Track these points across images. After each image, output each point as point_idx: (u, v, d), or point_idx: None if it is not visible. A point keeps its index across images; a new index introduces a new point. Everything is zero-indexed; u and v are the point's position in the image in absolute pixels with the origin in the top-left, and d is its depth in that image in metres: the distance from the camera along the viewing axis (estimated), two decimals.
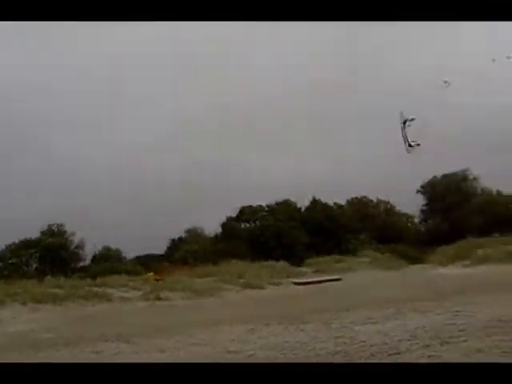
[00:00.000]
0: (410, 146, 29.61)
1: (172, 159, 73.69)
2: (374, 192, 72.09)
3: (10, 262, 53.17)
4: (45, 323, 22.71)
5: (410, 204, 71.80)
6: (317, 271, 45.06)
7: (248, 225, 63.18)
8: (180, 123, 77.93)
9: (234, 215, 63.30)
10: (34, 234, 55.53)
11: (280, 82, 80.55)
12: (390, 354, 11.28)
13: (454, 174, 69.27)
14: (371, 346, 12.34)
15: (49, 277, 35.53)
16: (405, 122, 29.80)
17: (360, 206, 73.09)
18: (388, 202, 75.14)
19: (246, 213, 62.95)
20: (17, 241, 54.35)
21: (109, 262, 51.73)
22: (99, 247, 58.43)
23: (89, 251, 57.89)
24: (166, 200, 68.20)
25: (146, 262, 54.06)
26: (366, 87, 77.69)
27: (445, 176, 69.41)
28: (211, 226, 64.22)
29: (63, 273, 39.89)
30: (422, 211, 73.23)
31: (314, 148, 74.98)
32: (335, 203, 66.11)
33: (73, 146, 72.34)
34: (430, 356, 10.65)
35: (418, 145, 29.34)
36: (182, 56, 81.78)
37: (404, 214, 76.23)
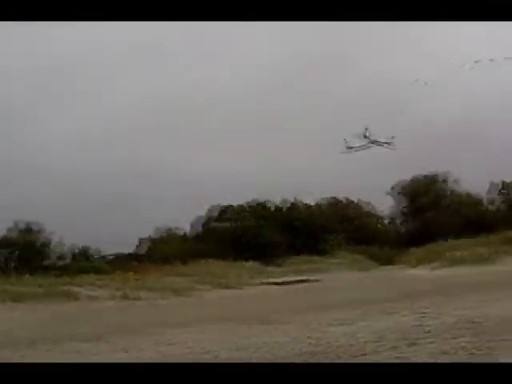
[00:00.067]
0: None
1: (135, 157, 73.27)
2: (346, 193, 72.36)
3: None
4: (3, 323, 22.29)
5: (381, 205, 72.32)
6: (287, 271, 45.08)
7: (221, 224, 63.06)
8: (126, 119, 77.88)
9: (212, 215, 63.27)
10: None
11: (245, 81, 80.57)
12: (357, 356, 11.17)
13: (425, 176, 69.73)
14: (337, 347, 12.23)
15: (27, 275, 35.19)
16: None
17: (332, 206, 73.30)
18: (358, 204, 75.44)
19: (219, 212, 62.89)
20: None
21: (76, 261, 51.28)
22: (67, 245, 58.06)
23: (56, 249, 57.48)
24: (136, 197, 67.93)
25: (116, 261, 53.80)
26: (337, 87, 78.08)
27: (415, 178, 69.84)
28: (184, 225, 64.22)
29: (31, 271, 39.35)
30: (393, 213, 73.63)
31: (285, 148, 74.95)
32: (306, 204, 66.17)
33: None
34: (396, 357, 10.55)
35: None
36: (126, 53, 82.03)
37: (375, 216, 76.59)
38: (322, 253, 55.50)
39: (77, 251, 57.96)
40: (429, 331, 13.08)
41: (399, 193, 71.16)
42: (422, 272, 40.14)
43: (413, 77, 29.59)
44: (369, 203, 73.84)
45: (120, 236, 61.20)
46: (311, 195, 69.46)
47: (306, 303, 24.72)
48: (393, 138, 29.47)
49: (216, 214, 63.52)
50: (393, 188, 71.12)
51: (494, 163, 64.53)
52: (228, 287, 35.95)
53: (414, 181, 69.93)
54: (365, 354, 11.21)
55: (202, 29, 62.73)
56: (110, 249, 62.04)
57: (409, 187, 70.22)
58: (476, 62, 29.56)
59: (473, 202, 65.12)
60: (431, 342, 11.65)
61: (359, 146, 29.21)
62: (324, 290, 32.14)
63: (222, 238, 57.41)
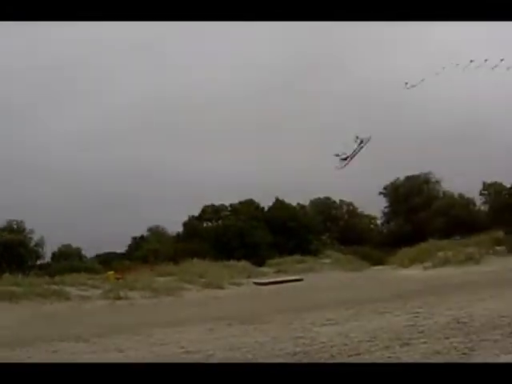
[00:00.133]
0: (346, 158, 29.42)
1: (127, 157, 73.18)
2: (336, 193, 72.31)
3: None
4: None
5: (373, 205, 72.34)
6: (279, 271, 45.01)
7: (210, 224, 62.92)
8: (126, 119, 77.77)
9: (196, 214, 63.00)
10: None
11: (245, 81, 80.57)
12: (350, 355, 11.17)
13: (417, 177, 69.77)
14: (331, 346, 12.23)
15: (7, 274, 34.87)
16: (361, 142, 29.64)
17: (323, 207, 73.22)
18: (351, 204, 75.43)
19: (208, 212, 62.68)
20: None
21: (68, 260, 51.09)
22: (59, 245, 57.89)
23: (49, 249, 57.31)
24: (125, 198, 67.80)
25: (107, 261, 53.65)
26: (326, 88, 78.10)
27: (407, 178, 69.86)
28: (173, 225, 64.04)
29: (21, 270, 39.17)
30: (384, 213, 73.63)
31: (285, 148, 75.01)
32: (298, 204, 66.07)
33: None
34: (389, 357, 10.55)
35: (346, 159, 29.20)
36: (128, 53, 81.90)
37: (367, 216, 76.58)
38: (314, 253, 55.35)
39: (69, 250, 57.83)
40: (421, 331, 13.08)
41: (392, 193, 71.16)
42: (415, 272, 40.18)
43: (413, 77, 29.50)
44: (362, 203, 73.87)
45: (119, 236, 61.40)
46: (308, 195, 69.67)
47: (298, 303, 24.71)
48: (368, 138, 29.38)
49: (208, 214, 63.29)
50: (385, 188, 71.17)
51: (487, 163, 64.80)
52: (222, 287, 35.95)
53: (407, 181, 69.96)
54: (358, 354, 11.21)
55: (201, 29, 62.71)
56: (111, 248, 62.26)
57: (401, 187, 70.24)
58: (471, 61, 29.46)
59: (465, 202, 65.15)
60: (424, 342, 11.65)
61: (352, 154, 29.17)
62: (316, 290, 32.08)
63: (213, 238, 57.27)
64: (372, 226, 78.08)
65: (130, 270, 41.72)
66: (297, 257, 50.48)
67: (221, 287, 35.91)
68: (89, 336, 17.20)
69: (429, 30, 59.43)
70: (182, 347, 13.89)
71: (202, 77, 79.61)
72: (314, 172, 65.58)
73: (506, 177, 51.36)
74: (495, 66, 29.53)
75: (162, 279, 36.43)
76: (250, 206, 62.49)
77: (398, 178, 70.49)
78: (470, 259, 39.51)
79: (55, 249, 58.03)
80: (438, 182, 69.90)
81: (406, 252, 48.52)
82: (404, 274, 40.45)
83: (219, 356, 12.34)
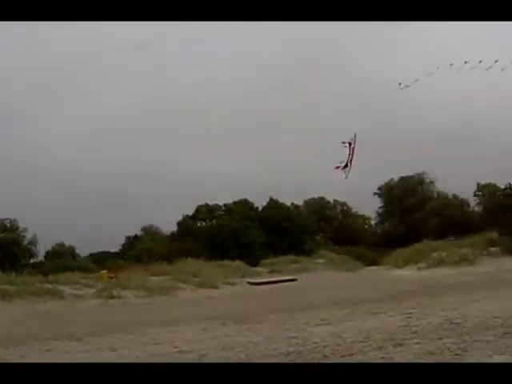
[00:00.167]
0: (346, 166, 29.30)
1: (121, 156, 73.13)
2: (330, 193, 72.28)
3: None
4: None
5: (367, 206, 72.39)
6: (272, 271, 44.99)
7: (204, 223, 62.84)
8: (126, 119, 77.72)
9: (190, 214, 62.92)
10: None
11: (244, 81, 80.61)
12: (343, 356, 11.16)
13: (411, 177, 69.81)
14: (324, 347, 12.22)
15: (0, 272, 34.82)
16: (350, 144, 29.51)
17: (317, 207, 73.21)
18: (345, 204, 75.45)
19: (203, 212, 62.61)
20: None
21: (62, 259, 50.98)
22: (53, 244, 57.80)
23: (42, 247, 57.19)
24: (119, 197, 67.73)
25: (101, 260, 53.57)
26: (325, 88, 78.15)
27: (401, 179, 69.90)
28: (167, 224, 63.99)
29: (15, 269, 39.09)
30: (379, 213, 73.66)
31: (285, 148, 75.04)
32: (292, 204, 66.04)
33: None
34: (382, 358, 10.55)
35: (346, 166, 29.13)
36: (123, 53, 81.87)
37: (361, 216, 76.62)
38: (308, 253, 55.33)
39: (62, 249, 57.74)
40: (415, 332, 13.08)
41: (386, 193, 71.20)
42: (409, 272, 40.21)
43: (409, 77, 29.48)
44: (357, 203, 73.89)
45: (113, 235, 61.35)
46: (304, 195, 69.73)
47: (292, 303, 24.70)
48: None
49: (202, 214, 63.20)
50: (380, 188, 71.22)
51: (482, 164, 64.96)
52: (216, 287, 35.92)
53: (402, 181, 70.01)
54: (351, 354, 11.20)
55: (201, 29, 62.61)
56: (105, 248, 62.21)
57: (396, 188, 70.28)
58: (466, 62, 29.45)
59: (459, 203, 65.20)
60: (417, 343, 11.65)
61: (348, 159, 29.07)
62: (310, 290, 32.08)
63: (207, 238, 57.20)
64: (366, 226, 78.11)
65: (124, 270, 41.67)
66: (291, 257, 50.44)
67: (215, 287, 35.89)
68: (82, 335, 17.19)
69: (427, 31, 59.56)
70: (176, 347, 13.89)
71: (201, 77, 79.76)
72: (311, 172, 65.76)
73: (500, 178, 51.44)
74: (490, 67, 29.55)
75: (155, 278, 36.39)
76: (244, 205, 62.43)
77: (392, 179, 70.56)
78: (464, 260, 39.59)
79: (49, 247, 57.97)
80: (432, 182, 69.98)
81: (400, 252, 48.54)
82: (398, 274, 40.46)
83: (213, 356, 12.33)
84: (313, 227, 65.94)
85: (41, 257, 57.05)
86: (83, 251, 59.61)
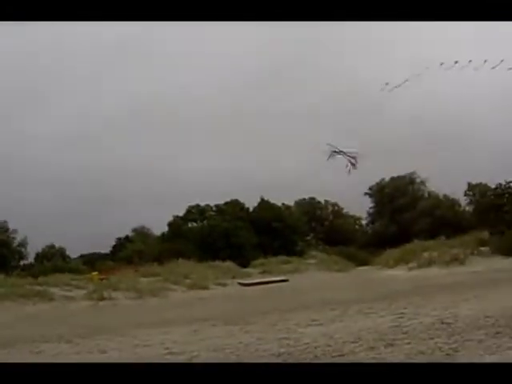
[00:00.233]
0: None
1: (109, 157, 72.97)
2: (321, 194, 72.38)
3: None
4: None
5: (358, 206, 72.50)
6: (264, 272, 44.99)
7: (195, 224, 62.76)
8: (115, 120, 77.56)
9: (181, 214, 62.84)
10: None
11: (215, 81, 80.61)
12: (334, 356, 11.10)
13: (402, 177, 69.94)
14: (315, 347, 12.16)
15: None
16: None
17: (308, 207, 73.28)
18: (336, 204, 75.55)
19: (193, 212, 62.54)
20: None
21: (52, 261, 50.84)
22: (43, 245, 57.63)
23: (33, 249, 57.01)
24: (109, 198, 67.63)
25: (91, 261, 53.50)
26: (313, 87, 78.19)
27: (392, 179, 70.03)
28: (158, 225, 63.91)
29: (4, 271, 38.96)
30: (370, 214, 73.78)
31: (259, 148, 75.08)
32: (283, 204, 66.03)
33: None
34: (373, 358, 10.49)
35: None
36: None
37: (352, 216, 76.74)
38: (299, 253, 55.41)
39: (53, 251, 57.55)
40: (406, 332, 13.03)
41: (377, 193, 71.32)
42: (400, 272, 40.24)
43: (400, 77, 29.49)
44: (347, 204, 74.02)
45: (103, 236, 61.29)
46: (293, 196, 69.76)
47: (283, 304, 24.64)
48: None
49: (191, 214, 63.12)
50: (371, 188, 71.33)
51: (473, 164, 65.16)
52: (207, 288, 35.88)
53: (392, 181, 70.14)
54: (342, 355, 11.14)
55: (193, 29, 62.59)
56: (96, 249, 62.12)
57: (387, 188, 70.41)
58: (456, 62, 29.44)
59: (450, 203, 65.36)
60: (408, 343, 11.61)
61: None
62: (301, 291, 32.08)
63: (198, 239, 57.15)
64: (357, 226, 78.27)
65: (115, 271, 41.64)
66: (282, 257, 50.48)
67: (205, 288, 35.84)
68: (72, 337, 17.11)
69: (416, 30, 59.58)
70: (166, 348, 13.81)
71: (190, 77, 79.68)
72: (301, 172, 65.87)
73: (491, 177, 51.57)
74: (479, 67, 29.58)
75: (146, 280, 36.32)
76: (235, 206, 62.43)
77: (383, 179, 70.72)
78: (455, 260, 39.63)
79: (39, 249, 57.81)
80: (423, 182, 70.20)
81: (391, 252, 48.61)
82: (389, 274, 40.49)
83: (203, 357, 12.25)
84: (304, 228, 66.05)
85: (31, 258, 56.96)
86: (74, 253, 59.60)
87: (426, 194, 69.84)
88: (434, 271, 37.41)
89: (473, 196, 61.90)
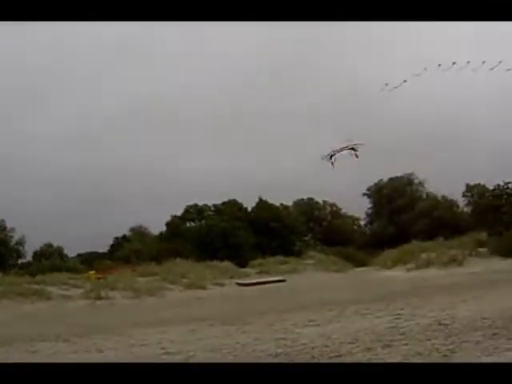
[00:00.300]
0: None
1: (107, 156, 72.93)
2: (320, 194, 72.34)
3: None
4: None
5: (356, 206, 72.46)
6: (261, 272, 44.95)
7: (193, 224, 62.66)
8: (114, 120, 77.48)
9: (179, 214, 62.76)
10: None
11: (215, 81, 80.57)
12: (331, 357, 11.09)
13: (400, 178, 69.90)
14: (312, 348, 12.15)
15: None
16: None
17: (306, 207, 73.23)
18: (334, 205, 75.49)
19: (191, 212, 62.45)
20: None
21: (50, 260, 50.75)
22: (41, 244, 57.56)
23: (31, 248, 56.93)
24: (108, 197, 67.56)
25: (89, 260, 53.43)
26: (313, 87, 78.16)
27: (391, 179, 69.98)
28: (157, 225, 63.84)
29: (2, 269, 38.91)
30: (368, 214, 73.74)
31: (259, 148, 75.06)
32: (281, 204, 65.96)
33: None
34: (370, 359, 10.49)
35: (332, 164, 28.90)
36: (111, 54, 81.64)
37: (350, 217, 76.68)
38: (297, 254, 55.37)
39: (50, 249, 57.49)
40: (403, 333, 13.03)
41: (375, 194, 71.29)
42: (398, 273, 40.23)
43: (399, 78, 29.52)
44: (346, 204, 73.97)
45: (101, 235, 61.23)
46: (292, 196, 69.71)
47: (281, 304, 24.63)
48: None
49: (189, 213, 63.03)
50: (369, 189, 71.31)
51: (471, 165, 65.18)
52: (204, 288, 35.86)
53: (391, 182, 70.09)
54: (339, 355, 11.14)
55: (195, 28, 62.44)
56: (93, 248, 62.05)
57: (385, 188, 70.38)
58: (454, 63, 29.45)
59: (448, 204, 65.33)
60: (405, 344, 11.60)
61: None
62: (299, 291, 32.06)
63: (196, 239, 57.09)
64: (355, 227, 78.21)
65: (112, 270, 41.58)
66: (280, 258, 50.43)
67: (203, 288, 35.82)
68: (69, 336, 17.12)
69: (415, 31, 59.56)
70: (163, 348, 13.80)
71: (190, 77, 79.61)
72: (300, 172, 65.86)
73: (489, 178, 51.57)
74: (477, 68, 29.60)
75: (143, 279, 36.30)
76: (233, 206, 62.31)
77: (381, 180, 70.68)
78: (453, 261, 39.63)
79: (37, 248, 57.73)
80: (421, 183, 70.16)
81: (389, 253, 48.61)
82: (387, 275, 40.48)
83: (200, 357, 12.24)
84: (302, 228, 65.96)
85: (29, 257, 56.85)
86: (71, 252, 59.53)
87: (425, 195, 69.78)
88: (432, 272, 37.41)
89: (471, 197, 61.86)
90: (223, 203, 62.35)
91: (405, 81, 29.74)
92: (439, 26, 42.71)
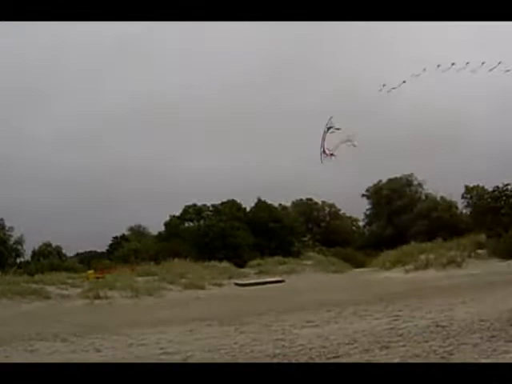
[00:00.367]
0: (324, 153, 28.98)
1: (107, 156, 72.91)
2: (319, 194, 72.29)
3: None
4: None
5: (355, 207, 72.44)
6: (260, 272, 44.96)
7: (192, 224, 62.60)
8: (114, 119, 77.47)
9: (177, 214, 62.69)
10: None
11: (215, 81, 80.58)
12: (329, 358, 11.08)
13: (399, 179, 69.86)
14: (310, 349, 12.14)
15: None
16: (328, 129, 29.31)
17: (305, 208, 73.17)
18: (333, 205, 75.43)
19: (190, 212, 62.39)
20: None
21: (48, 259, 50.68)
22: (40, 243, 57.44)
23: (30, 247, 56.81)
24: (107, 197, 67.52)
25: (87, 260, 53.40)
26: (313, 87, 78.14)
27: (390, 180, 69.92)
28: (155, 224, 63.83)
29: (0, 268, 38.88)
30: (367, 215, 73.70)
31: (258, 148, 75.06)
32: (280, 205, 65.91)
33: None
34: (368, 360, 10.48)
35: (333, 155, 28.84)
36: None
37: (349, 218, 76.64)
38: (295, 254, 55.36)
39: (49, 249, 57.40)
40: (401, 334, 13.02)
41: (374, 195, 71.25)
42: (396, 274, 40.22)
43: (398, 78, 29.55)
44: (345, 205, 73.94)
45: (100, 235, 61.19)
46: (291, 196, 69.67)
47: (279, 305, 24.61)
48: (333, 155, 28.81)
49: (187, 213, 62.97)
50: (368, 190, 71.27)
51: (470, 166, 65.17)
52: (202, 288, 35.85)
53: (390, 183, 70.04)
54: (337, 356, 11.13)
55: (195, 28, 62.53)
56: (92, 247, 62.04)
57: (384, 189, 70.32)
58: (453, 64, 29.49)
59: (447, 205, 65.27)
60: (403, 346, 11.60)
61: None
62: (297, 292, 32.05)
63: (195, 239, 57.04)
64: (354, 228, 78.19)
65: (111, 270, 41.58)
66: (278, 258, 50.43)
67: (202, 288, 35.81)
68: (67, 335, 17.11)
69: (414, 31, 59.62)
70: (161, 348, 13.79)
71: (190, 77, 79.67)
72: (299, 172, 65.87)
73: (488, 180, 51.57)
74: (476, 69, 29.59)
75: (142, 279, 36.28)
76: (231, 206, 62.23)
77: (380, 181, 70.64)
78: (452, 262, 39.62)
79: (36, 247, 57.64)
80: (420, 184, 70.13)
81: (387, 254, 48.62)
82: (386, 276, 40.49)
83: (198, 357, 12.23)
84: (300, 228, 65.87)
85: (27, 256, 56.75)
86: (70, 251, 59.49)
87: (424, 196, 69.75)
88: (430, 273, 37.39)
89: (470, 199, 61.79)
90: (222, 203, 62.27)
91: (404, 81, 29.76)
92: (438, 27, 42.77)
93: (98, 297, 30.70)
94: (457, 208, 65.40)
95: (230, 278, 41.04)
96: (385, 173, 68.62)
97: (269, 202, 63.28)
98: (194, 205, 62.37)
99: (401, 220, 65.74)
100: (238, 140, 78.78)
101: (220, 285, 37.92)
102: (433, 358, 10.22)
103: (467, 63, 29.62)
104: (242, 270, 46.77)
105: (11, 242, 55.16)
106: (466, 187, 61.58)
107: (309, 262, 51.26)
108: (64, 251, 58.53)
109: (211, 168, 70.24)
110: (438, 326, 13.83)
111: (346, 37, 70.78)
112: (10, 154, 67.51)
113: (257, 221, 59.73)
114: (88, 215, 67.79)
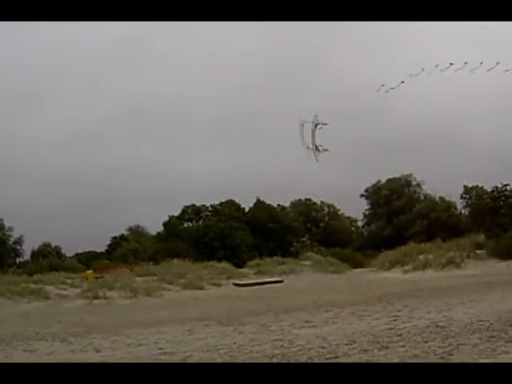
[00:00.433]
0: (317, 149, 29.05)
1: (106, 156, 72.88)
2: (318, 195, 72.27)
3: None
4: None
5: (354, 208, 72.41)
6: (259, 273, 44.97)
7: (191, 224, 62.57)
8: (113, 120, 77.42)
9: (176, 214, 62.68)
10: None
11: (215, 81, 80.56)
12: (328, 358, 11.08)
13: (398, 179, 69.83)
14: (309, 349, 12.13)
15: None
16: (316, 126, 29.36)
17: (304, 208, 73.15)
18: (331, 206, 75.41)
19: (189, 212, 62.36)
20: None
21: (47, 259, 50.68)
22: (39, 243, 57.48)
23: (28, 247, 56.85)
24: (106, 197, 67.51)
25: (87, 260, 53.39)
26: (312, 87, 78.15)
27: (388, 181, 69.90)
28: (154, 225, 63.83)
29: (0, 268, 38.87)
30: (366, 215, 73.66)
31: (254, 148, 75.05)
32: (279, 205, 65.88)
33: None
34: (367, 360, 10.47)
35: (326, 150, 28.87)
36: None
37: (348, 218, 76.62)
38: (294, 255, 55.36)
39: (48, 249, 57.41)
40: (400, 334, 13.01)
41: (373, 195, 71.21)
42: (395, 275, 40.22)
43: (397, 78, 29.60)
44: (343, 205, 73.93)
45: (100, 235, 61.19)
46: (290, 196, 69.66)
47: (278, 305, 24.59)
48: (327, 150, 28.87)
49: (186, 214, 62.93)
50: (367, 190, 71.23)
51: (469, 166, 65.16)
52: (201, 288, 35.85)
53: (388, 183, 70.00)
54: (336, 357, 11.12)
55: (195, 29, 62.51)
56: (91, 248, 62.01)
57: (383, 190, 70.28)
58: (451, 64, 29.52)
59: (446, 205, 65.24)
60: (402, 346, 11.59)
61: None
62: (296, 292, 32.05)
63: (194, 239, 57.02)
64: (353, 228, 78.18)
65: (110, 270, 41.59)
66: (277, 258, 50.46)
67: (200, 288, 35.82)
68: (66, 335, 17.13)
69: (413, 32, 59.63)
70: (160, 348, 13.79)
71: (190, 77, 79.63)
72: (299, 173, 65.82)
73: (487, 180, 51.58)
74: (475, 69, 29.64)
75: (141, 279, 36.29)
76: (230, 206, 62.18)
77: (379, 181, 70.59)
78: (451, 263, 39.62)
79: (35, 247, 57.67)
80: (419, 184, 70.12)
81: (386, 255, 48.60)
82: (384, 276, 40.49)
83: (197, 357, 12.22)
84: (299, 229, 65.84)
85: (27, 256, 56.78)
86: (69, 251, 59.49)
87: (422, 197, 69.71)
88: (429, 274, 37.41)
89: (469, 199, 61.78)
90: (221, 203, 62.22)
91: (402, 81, 29.80)
92: (438, 27, 42.75)
93: (97, 297, 30.72)
94: (456, 208, 65.39)
95: (228, 278, 41.04)
96: (384, 173, 68.69)
97: (268, 202, 63.32)
98: (193, 205, 62.34)
99: (400, 220, 65.69)
100: (238, 140, 78.95)
101: (219, 285, 37.93)
102: (432, 359, 10.21)
103: (465, 63, 29.67)
104: (241, 270, 46.79)
105: (11, 242, 55.22)
106: (465, 187, 61.55)
107: (307, 263, 51.27)
108: (63, 251, 58.72)
109: (210, 168, 70.35)
110: (437, 326, 13.83)
111: (345, 37, 70.80)
112: (10, 154, 67.55)
113: (256, 221, 59.71)
114: (87, 215, 67.91)
